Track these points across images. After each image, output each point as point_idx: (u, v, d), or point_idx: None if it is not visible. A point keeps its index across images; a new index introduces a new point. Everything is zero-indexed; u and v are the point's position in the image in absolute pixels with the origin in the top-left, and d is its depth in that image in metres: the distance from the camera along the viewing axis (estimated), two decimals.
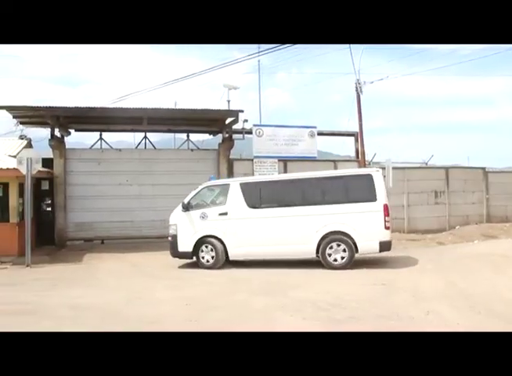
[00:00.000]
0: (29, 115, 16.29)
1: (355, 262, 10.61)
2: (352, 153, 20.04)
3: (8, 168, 12.60)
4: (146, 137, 17.73)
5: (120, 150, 17.08)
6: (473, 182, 20.23)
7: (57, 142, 16.11)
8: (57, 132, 16.30)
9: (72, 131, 17.69)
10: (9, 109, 15.45)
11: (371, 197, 10.38)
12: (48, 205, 16.20)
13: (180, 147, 18.60)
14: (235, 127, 17.17)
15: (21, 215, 13.51)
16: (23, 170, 12.09)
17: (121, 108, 16.05)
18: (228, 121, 16.93)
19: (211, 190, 11.94)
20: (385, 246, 10.37)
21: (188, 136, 18.24)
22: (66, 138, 16.98)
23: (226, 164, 16.94)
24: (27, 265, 11.72)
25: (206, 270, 10.90)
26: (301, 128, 18.47)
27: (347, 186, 10.82)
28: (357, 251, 10.45)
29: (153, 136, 18.64)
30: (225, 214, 11.23)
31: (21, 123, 18.10)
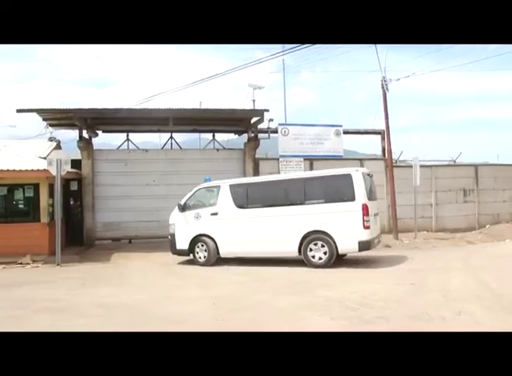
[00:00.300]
0: (58, 117, 16.61)
1: (373, 259, 10.52)
2: (378, 152, 19.85)
3: (38, 169, 12.90)
4: (171, 137, 17.89)
5: (146, 150, 17.29)
6: (504, 179, 19.75)
7: (85, 144, 16.40)
8: (85, 134, 16.59)
9: (99, 132, 17.98)
10: (39, 112, 15.80)
11: (350, 196, 10.49)
12: (76, 205, 16.51)
13: (206, 147, 18.72)
14: (260, 126, 17.20)
15: (51, 215, 13.83)
16: (53, 171, 12.40)
17: (147, 109, 16.26)
18: (253, 120, 16.97)
19: (205, 192, 12.52)
20: (364, 245, 10.42)
21: (213, 136, 18.34)
22: (93, 139, 17.28)
23: (252, 164, 16.98)
24: (58, 264, 11.99)
25: (228, 269, 11.18)
26: (327, 126, 18.37)
27: (328, 186, 10.98)
28: (337, 250, 10.55)
29: (179, 136, 18.82)
30: (216, 214, 11.84)
31: (50, 125, 18.44)
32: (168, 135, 18.00)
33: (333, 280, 9.15)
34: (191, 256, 12.13)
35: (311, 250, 10.67)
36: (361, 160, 18.22)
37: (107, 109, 16.09)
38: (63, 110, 15.72)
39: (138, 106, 19.02)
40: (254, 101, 22.15)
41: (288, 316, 6.47)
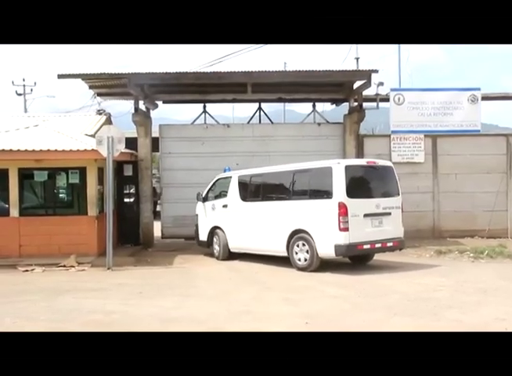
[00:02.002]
0: (108, 85, 17.03)
1: None
2: None
3: (85, 150, 13.14)
4: (260, 108, 17.94)
5: (228, 125, 17.58)
6: None
7: (142, 118, 16.79)
8: (142, 105, 16.97)
9: (159, 103, 18.38)
10: (85, 77, 16.27)
11: (329, 193, 11.46)
12: (130, 195, 16.94)
13: (304, 121, 18.60)
14: (366, 93, 16.96)
15: (101, 207, 14.30)
16: (104, 152, 12.54)
17: (221, 72, 16.28)
18: (356, 84, 16.79)
19: (222, 182, 14.47)
20: (340, 250, 11.22)
21: (314, 106, 18.26)
22: (151, 112, 17.67)
23: (355, 142, 16.77)
24: (108, 268, 12.36)
25: (315, 276, 11.22)
26: (458, 90, 17.69)
27: (312, 181, 12.18)
28: (317, 252, 11.50)
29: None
30: (226, 206, 13.93)
31: (99, 95, 19.03)
32: (244, 105, 18.28)
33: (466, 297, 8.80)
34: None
35: (296, 253, 11.91)
36: (507, 137, 17.26)
37: (170, 73, 16.25)
38: (115, 74, 16.14)
39: (207, 70, 19.24)
40: (357, 59, 21.83)
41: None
